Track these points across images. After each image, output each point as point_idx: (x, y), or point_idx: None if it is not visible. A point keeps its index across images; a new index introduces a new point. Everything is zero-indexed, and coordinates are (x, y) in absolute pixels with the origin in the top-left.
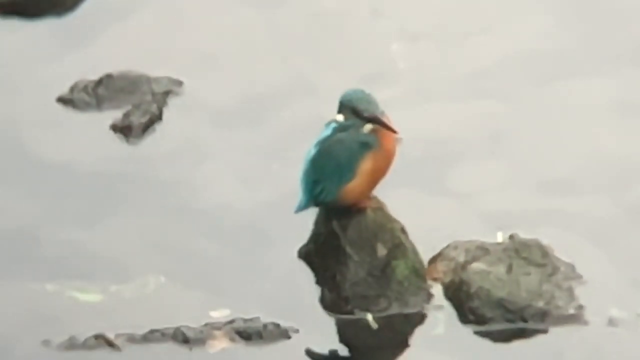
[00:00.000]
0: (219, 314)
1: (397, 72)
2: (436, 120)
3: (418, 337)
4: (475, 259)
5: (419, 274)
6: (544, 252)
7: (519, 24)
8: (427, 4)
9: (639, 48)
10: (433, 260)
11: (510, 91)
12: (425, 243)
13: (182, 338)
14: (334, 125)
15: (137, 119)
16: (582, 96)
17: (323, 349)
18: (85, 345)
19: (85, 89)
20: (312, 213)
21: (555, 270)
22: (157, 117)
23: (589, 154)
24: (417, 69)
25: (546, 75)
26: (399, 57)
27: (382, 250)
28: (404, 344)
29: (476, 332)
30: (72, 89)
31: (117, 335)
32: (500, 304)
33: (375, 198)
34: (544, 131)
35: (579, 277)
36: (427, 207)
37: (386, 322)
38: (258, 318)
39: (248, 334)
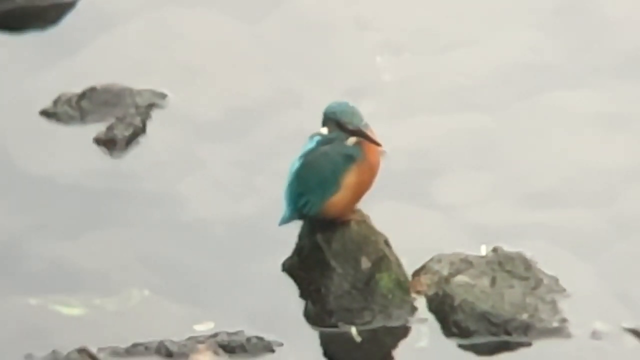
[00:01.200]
0: (203, 328)
1: (381, 84)
2: (421, 133)
3: (402, 350)
4: (459, 271)
5: (403, 286)
6: (528, 265)
7: (504, 37)
8: (412, 17)
9: (623, 61)
10: (417, 273)
11: (495, 104)
12: (409, 256)
13: (165, 352)
14: (318, 138)
15: (121, 132)
16: (567, 109)
17: None
18: (68, 359)
19: (68, 102)
20: (297, 226)
21: (538, 283)
22: (141, 130)
23: (573, 166)
24: (402, 82)
25: (531, 88)
26: (384, 69)
27: (366, 263)
28: (388, 357)
29: (460, 345)
30: (56, 102)
31: (100, 349)
32: (484, 317)
33: (359, 211)
34: (529, 144)
35: (563, 290)
36: (411, 220)
37: (370, 335)
38: (242, 331)
39: (232, 348)
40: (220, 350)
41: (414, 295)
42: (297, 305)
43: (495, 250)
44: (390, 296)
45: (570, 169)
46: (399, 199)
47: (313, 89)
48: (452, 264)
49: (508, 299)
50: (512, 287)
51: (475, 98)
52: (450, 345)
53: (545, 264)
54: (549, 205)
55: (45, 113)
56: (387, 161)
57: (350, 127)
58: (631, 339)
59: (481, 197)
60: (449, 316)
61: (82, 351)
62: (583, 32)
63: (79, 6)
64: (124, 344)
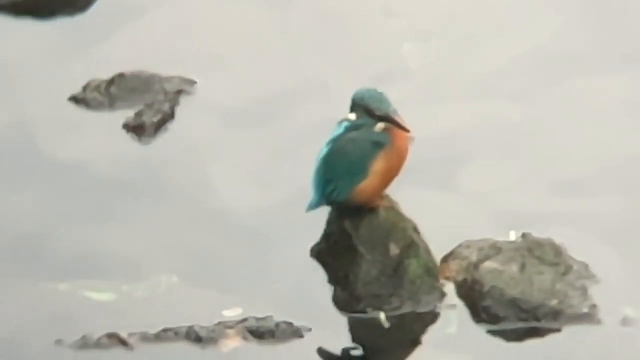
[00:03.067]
0: (232, 313)
1: (409, 71)
2: (448, 120)
3: (431, 336)
4: (488, 258)
5: (432, 273)
6: (558, 251)
7: (531, 24)
8: (439, 3)
9: None
10: (446, 259)
11: (523, 91)
12: (438, 242)
13: (195, 337)
14: (346, 124)
15: (150, 119)
16: (595, 96)
17: (336, 348)
18: (98, 345)
19: (98, 88)
20: (325, 212)
21: (568, 269)
22: (170, 117)
23: (602, 153)
24: (429, 69)
25: (558, 75)
26: (411, 56)
27: (394, 250)
28: (416, 343)
29: (489, 332)
30: (85, 89)
31: (130, 335)
32: (514, 303)
33: (387, 197)
34: (557, 130)
35: (593, 276)
36: (439, 206)
37: (399, 321)
38: (271, 317)
39: (261, 333)
40: (249, 336)
41: (442, 281)
42: (325, 291)
43: (524, 236)
44: (419, 282)
45: (600, 155)
46: (427, 185)
47: (340, 76)
48: (481, 250)
49: (538, 285)
50: (541, 273)
51: (503, 85)
52: (480, 331)
53: (575, 251)
54: (578, 192)
55: (74, 99)
56: (415, 147)
57: (378, 113)
58: None
59: (510, 184)
60: (478, 302)
61: (113, 336)
62: (611, 17)
63: None
64: (154, 330)
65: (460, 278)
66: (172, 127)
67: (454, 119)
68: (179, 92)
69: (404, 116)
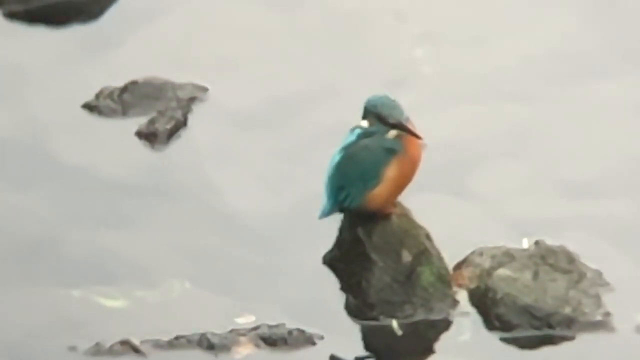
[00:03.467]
0: (244, 320)
1: (420, 76)
2: (461, 125)
3: (443, 343)
4: (500, 265)
5: (444, 280)
6: (571, 258)
7: (541, 26)
8: (450, 8)
9: None
10: (458, 266)
11: (534, 93)
12: (450, 249)
13: (207, 344)
14: (358, 131)
15: (162, 126)
16: (606, 97)
17: (348, 355)
18: (111, 351)
19: (110, 95)
20: (337, 219)
21: (581, 276)
22: (182, 124)
23: (614, 156)
24: (441, 73)
25: (569, 77)
26: (422, 61)
27: (407, 257)
28: (429, 351)
29: (502, 339)
30: (98, 96)
31: (143, 342)
32: (527, 311)
33: (399, 204)
34: (569, 133)
35: (606, 283)
36: (451, 213)
37: (411, 329)
38: (283, 324)
39: (273, 340)
40: (262, 343)
41: (455, 288)
42: (338, 298)
43: (537, 243)
44: (431, 289)
45: (612, 159)
46: (439, 192)
47: (352, 81)
48: (493, 257)
49: (551, 293)
50: (554, 280)
51: (515, 88)
52: (493, 338)
53: (588, 257)
54: (590, 196)
55: (87, 106)
56: (427, 153)
57: (391, 120)
58: None
59: (522, 189)
60: (491, 310)
61: (125, 343)
62: (621, 19)
63: (121, 0)
64: (166, 337)
65: (473, 285)
66: (185, 134)
67: (466, 123)
68: (192, 99)
69: (415, 121)
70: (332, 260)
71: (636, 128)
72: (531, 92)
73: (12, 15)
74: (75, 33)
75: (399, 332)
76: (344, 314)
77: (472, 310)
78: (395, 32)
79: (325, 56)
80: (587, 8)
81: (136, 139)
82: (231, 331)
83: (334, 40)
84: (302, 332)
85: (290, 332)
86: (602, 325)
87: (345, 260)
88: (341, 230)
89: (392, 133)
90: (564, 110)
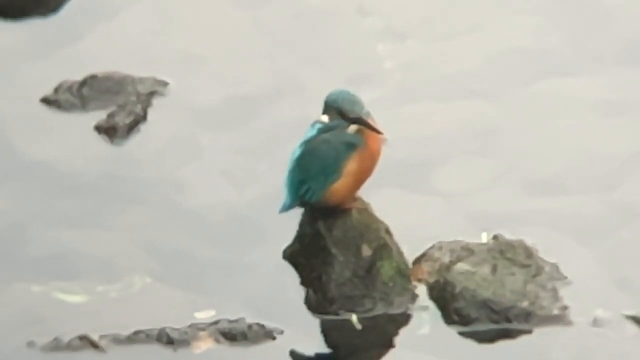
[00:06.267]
0: (204, 315)
1: (383, 71)
2: (422, 120)
3: (403, 337)
4: (459, 259)
5: (404, 274)
6: (529, 252)
7: (506, 23)
8: (414, 3)
9: (624, 47)
10: (418, 260)
11: (497, 91)
12: (410, 244)
13: (166, 339)
14: (319, 125)
15: (122, 120)
16: (568, 95)
17: (308, 350)
18: (69, 347)
19: (69, 89)
20: (297, 213)
21: (539, 270)
22: (142, 118)
23: (575, 153)
24: (404, 69)
25: (533, 75)
26: (386, 56)
27: (367, 251)
28: (388, 345)
29: (461, 333)
30: (57, 90)
31: (102, 336)
32: (485, 305)
33: (360, 199)
34: (531, 131)
35: (564, 277)
36: (412, 208)
37: (371, 323)
38: (243, 319)
39: (233, 335)
40: (221, 338)
41: (414, 282)
42: (298, 292)
43: (496, 237)
44: (391, 284)
45: (572, 155)
46: (399, 187)
47: (315, 76)
48: (452, 251)
49: (509, 287)
50: (513, 274)
51: (477, 85)
52: (451, 332)
53: (546, 252)
54: (550, 192)
55: (46, 100)
56: (388, 149)
57: (351, 115)
58: (632, 326)
59: (482, 185)
60: (450, 304)
61: (84, 338)
62: (584, 18)
63: None
64: (126, 331)
65: (432, 279)
66: (144, 128)
67: (428, 119)
68: (152, 94)
69: (378, 116)
70: (292, 255)
71: (597, 125)
72: (494, 88)
73: None
74: (33, 26)
75: (359, 327)
76: (304, 308)
77: (431, 304)
78: (358, 27)
79: (288, 51)
80: (551, 6)
81: (95, 133)
82: (191, 326)
83: (297, 36)
84: (262, 326)
85: (250, 327)
86: (559, 318)
87: (306, 255)
88: (301, 225)
89: (353, 128)
90: (526, 107)
